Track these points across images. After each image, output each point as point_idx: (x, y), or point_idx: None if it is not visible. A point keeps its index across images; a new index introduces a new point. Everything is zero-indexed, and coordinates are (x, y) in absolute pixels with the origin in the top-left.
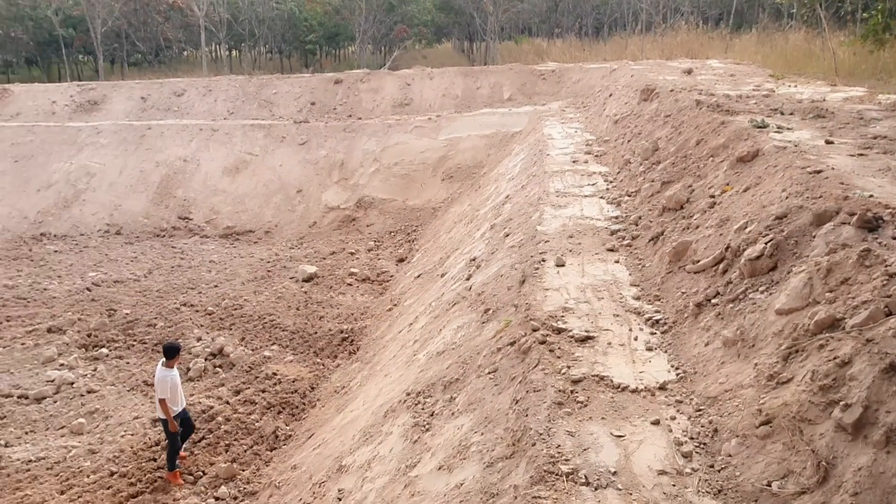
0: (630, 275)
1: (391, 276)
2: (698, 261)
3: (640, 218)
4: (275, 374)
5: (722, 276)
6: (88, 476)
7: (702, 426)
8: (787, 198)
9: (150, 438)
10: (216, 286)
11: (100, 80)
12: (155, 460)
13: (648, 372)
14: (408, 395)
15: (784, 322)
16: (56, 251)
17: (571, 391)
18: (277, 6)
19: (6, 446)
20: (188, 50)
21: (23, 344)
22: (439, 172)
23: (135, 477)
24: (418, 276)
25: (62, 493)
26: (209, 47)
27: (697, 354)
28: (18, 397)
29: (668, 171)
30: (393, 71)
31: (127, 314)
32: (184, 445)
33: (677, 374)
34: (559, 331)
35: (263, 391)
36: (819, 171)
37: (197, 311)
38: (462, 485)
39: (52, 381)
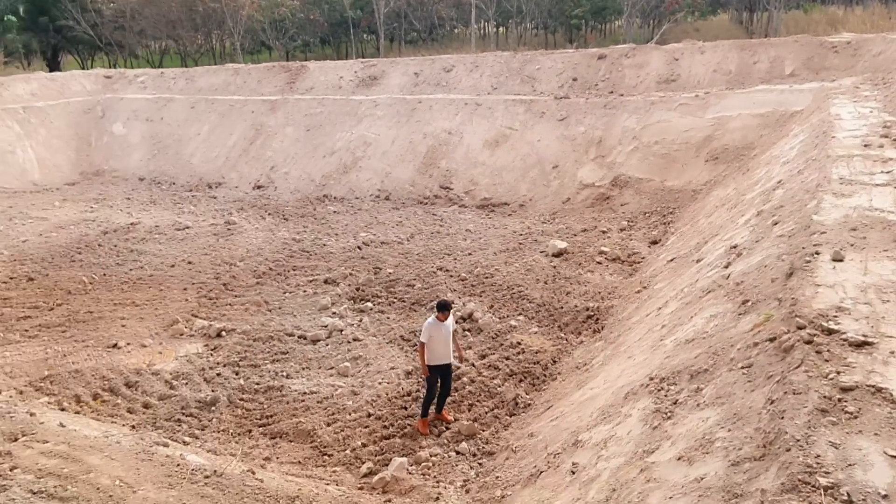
0: None
1: (642, 258)
2: None
3: None
4: (519, 343)
5: None
6: (350, 414)
7: None
8: None
9: (402, 388)
10: (470, 254)
11: (380, 58)
12: (406, 409)
13: None
14: (651, 379)
15: None
16: (335, 212)
17: (839, 399)
18: None
19: (287, 377)
20: (459, 27)
21: (304, 291)
22: (703, 153)
23: (388, 421)
24: (671, 260)
25: (328, 424)
26: (478, 25)
27: None
28: (299, 337)
29: None
30: (660, 45)
31: (390, 273)
32: (443, 405)
33: None
34: (830, 332)
35: (507, 358)
36: None
37: (451, 276)
38: (703, 479)
39: (326, 327)
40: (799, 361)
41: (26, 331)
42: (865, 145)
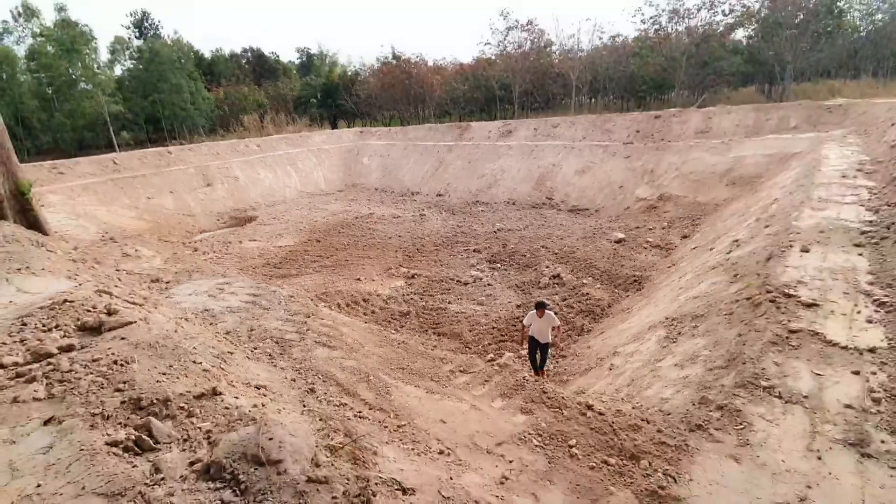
0: (869, 265)
1: (675, 246)
2: None
3: (893, 223)
4: (587, 293)
5: None
6: (482, 325)
7: None
8: None
9: (514, 314)
10: (561, 238)
11: (514, 119)
12: (514, 326)
13: (862, 337)
14: (666, 318)
15: None
16: (482, 211)
17: (786, 337)
18: (623, 69)
19: (449, 303)
20: (566, 100)
21: (461, 256)
22: (724, 179)
23: (504, 332)
24: (694, 248)
25: (469, 330)
26: (577, 97)
27: None
28: (457, 282)
29: None
30: (700, 108)
31: (512, 248)
32: (542, 369)
33: (889, 344)
34: (789, 296)
35: (579, 302)
36: None
37: (548, 250)
38: (687, 377)
39: (472, 277)
40: (763, 312)
41: (314, 268)
42: (843, 176)
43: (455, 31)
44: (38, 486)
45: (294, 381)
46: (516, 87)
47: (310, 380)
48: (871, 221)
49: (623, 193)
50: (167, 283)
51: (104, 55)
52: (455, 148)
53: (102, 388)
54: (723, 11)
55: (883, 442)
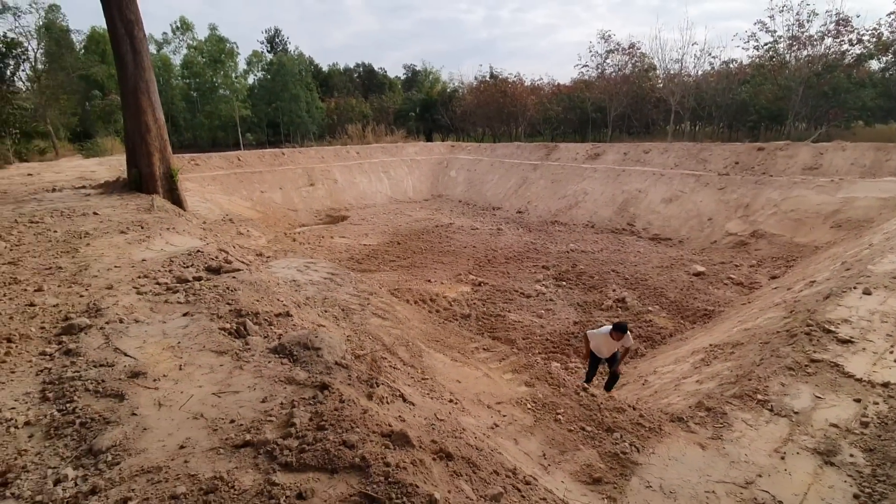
0: None
1: (760, 286)
2: None
3: None
4: (650, 321)
5: None
6: (536, 335)
7: (894, 414)
8: None
9: (569, 330)
10: (635, 266)
11: (607, 143)
12: (568, 341)
13: (881, 374)
14: (711, 345)
15: None
16: (559, 230)
17: (805, 365)
18: (732, 96)
19: (508, 312)
20: (665, 125)
21: (530, 270)
22: (829, 221)
23: (556, 344)
24: (775, 288)
25: (524, 338)
26: (678, 124)
27: None
28: (520, 294)
29: None
30: (813, 143)
31: (581, 268)
32: (611, 387)
33: None
34: (827, 331)
35: (640, 328)
36: None
37: (618, 275)
38: (698, 391)
39: (535, 291)
40: (793, 342)
41: (391, 267)
42: None
43: (557, 54)
44: (178, 343)
45: (349, 337)
46: (612, 110)
47: (361, 338)
48: None
49: (711, 226)
50: (267, 257)
51: (242, 66)
52: (540, 167)
53: (218, 301)
54: (850, 41)
55: (851, 456)
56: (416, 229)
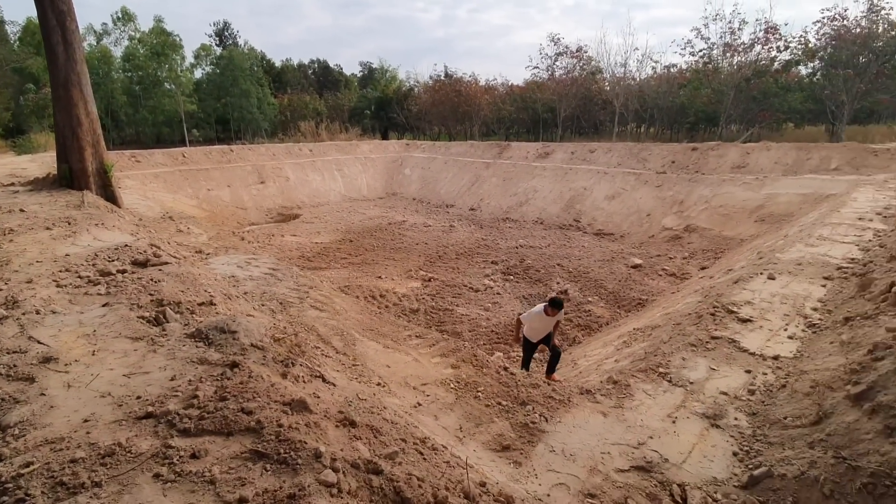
0: (824, 295)
1: (690, 276)
2: (873, 291)
3: (871, 262)
4: (589, 311)
5: (878, 303)
6: (482, 328)
7: (779, 382)
8: None
9: (513, 323)
10: (579, 259)
11: (555, 143)
12: (512, 332)
13: (773, 348)
14: (635, 329)
15: (887, 336)
16: (509, 227)
17: (706, 342)
18: (672, 99)
19: (457, 306)
20: (610, 126)
21: (479, 265)
22: (754, 216)
23: (501, 335)
24: (701, 277)
25: (470, 331)
26: (622, 126)
27: (820, 347)
28: (469, 288)
29: None
30: (743, 143)
31: (529, 263)
32: (553, 370)
33: (794, 354)
34: (731, 311)
35: (579, 317)
36: None
37: (563, 268)
38: (617, 366)
39: (484, 285)
40: (699, 321)
41: (342, 264)
42: (860, 218)
43: (513, 55)
44: (94, 331)
45: (285, 328)
46: (562, 111)
47: (296, 329)
48: (854, 259)
49: (650, 221)
50: (207, 254)
51: (189, 59)
52: (492, 165)
53: (140, 292)
54: (778, 48)
55: (736, 419)
56: (369, 227)
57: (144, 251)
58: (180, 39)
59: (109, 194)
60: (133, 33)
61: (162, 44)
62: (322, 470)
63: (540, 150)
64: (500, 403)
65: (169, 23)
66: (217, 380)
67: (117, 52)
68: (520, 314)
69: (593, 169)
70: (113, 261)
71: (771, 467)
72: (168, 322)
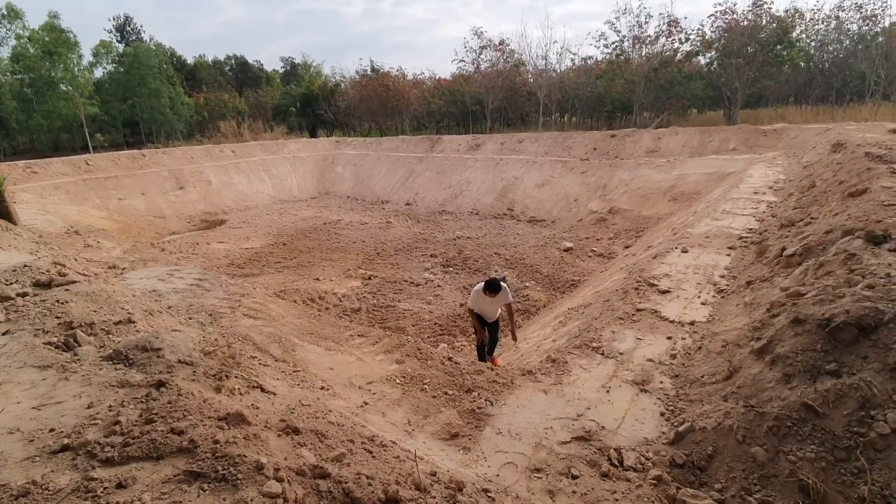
0: (730, 263)
1: (616, 255)
2: (768, 256)
3: (766, 230)
4: (528, 296)
5: (773, 266)
6: (425, 321)
7: (696, 345)
8: (847, 220)
9: (456, 312)
10: (515, 247)
11: (484, 134)
12: (455, 324)
13: (689, 314)
14: (569, 308)
15: (780, 294)
16: (446, 220)
17: (632, 314)
18: (590, 89)
19: (399, 301)
20: (536, 116)
21: (419, 260)
22: (667, 196)
23: (445, 327)
24: (626, 255)
25: (414, 325)
26: (547, 116)
27: (728, 310)
28: (409, 283)
29: (804, 200)
30: (653, 130)
31: (467, 254)
32: (492, 352)
33: (707, 318)
34: (652, 285)
35: (518, 303)
36: (892, 205)
37: (500, 256)
38: (556, 340)
39: (424, 278)
40: (624, 297)
41: (276, 269)
42: (755, 192)
43: (439, 49)
44: None
45: (216, 340)
46: (489, 103)
47: (229, 340)
48: (752, 229)
49: (577, 206)
50: (122, 269)
51: (87, 58)
52: (425, 159)
53: (45, 316)
54: (680, 40)
55: (661, 383)
56: (303, 228)
57: (47, 271)
58: (75, 36)
59: (3, 211)
60: (21, 31)
61: (54, 41)
62: (265, 482)
63: (471, 142)
64: (446, 393)
65: (62, 19)
66: (142, 402)
67: (4, 52)
68: (469, 307)
69: (523, 158)
70: (11, 283)
71: (693, 422)
72: (80, 346)
